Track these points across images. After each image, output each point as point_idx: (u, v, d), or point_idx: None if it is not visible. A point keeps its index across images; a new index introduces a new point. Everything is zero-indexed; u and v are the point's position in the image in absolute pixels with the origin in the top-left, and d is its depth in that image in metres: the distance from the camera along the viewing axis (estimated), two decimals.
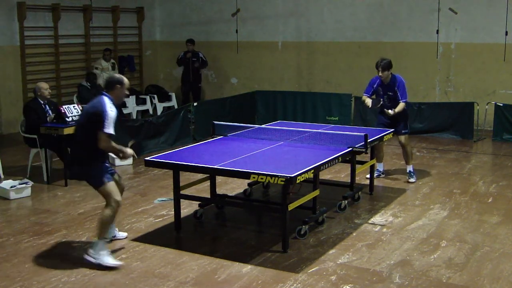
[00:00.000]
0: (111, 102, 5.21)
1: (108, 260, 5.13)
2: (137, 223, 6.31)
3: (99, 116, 5.11)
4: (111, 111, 5.14)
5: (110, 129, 5.12)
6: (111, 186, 5.26)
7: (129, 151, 5.46)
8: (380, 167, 8.19)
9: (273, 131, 7.02)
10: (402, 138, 7.94)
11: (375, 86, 7.89)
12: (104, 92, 5.31)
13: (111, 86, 5.33)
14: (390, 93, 7.81)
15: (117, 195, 5.25)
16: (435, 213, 6.63)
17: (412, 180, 7.90)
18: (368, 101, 7.86)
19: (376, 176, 8.00)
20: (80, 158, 5.32)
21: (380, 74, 7.70)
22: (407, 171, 7.99)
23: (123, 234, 5.85)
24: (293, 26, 13.53)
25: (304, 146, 6.48)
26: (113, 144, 5.25)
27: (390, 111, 7.81)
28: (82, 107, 8.35)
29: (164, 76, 15.20)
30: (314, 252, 5.46)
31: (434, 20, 11.89)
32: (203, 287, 4.78)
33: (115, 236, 5.78)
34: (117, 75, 5.49)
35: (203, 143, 6.88)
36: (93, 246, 5.17)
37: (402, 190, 7.55)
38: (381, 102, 7.82)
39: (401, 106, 7.76)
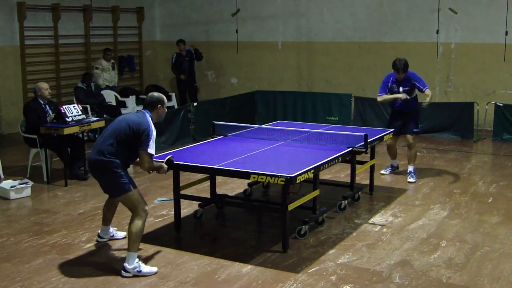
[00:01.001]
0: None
1: (146, 269, 4.97)
2: None
3: (144, 134, 4.97)
4: (154, 130, 5.05)
5: (153, 150, 5.00)
6: (137, 194, 5.12)
7: (165, 166, 5.36)
8: (394, 163, 8.43)
9: (273, 131, 7.02)
10: (411, 138, 7.97)
11: (389, 84, 7.93)
12: (146, 110, 5.19)
13: (153, 106, 5.20)
14: (406, 88, 7.85)
15: (145, 204, 5.13)
16: (435, 213, 6.63)
17: (411, 180, 7.91)
18: (400, 95, 7.80)
19: (391, 171, 8.34)
20: (104, 167, 5.04)
21: (401, 75, 7.77)
22: (408, 171, 8.00)
23: (121, 234, 5.82)
24: (293, 26, 13.53)
25: (304, 146, 6.48)
26: (154, 163, 5.18)
27: (402, 95, 7.78)
28: (82, 107, 8.40)
29: (164, 76, 15.20)
30: (314, 252, 5.46)
31: (434, 20, 11.89)
32: (203, 287, 4.78)
33: (113, 236, 5.78)
34: (157, 94, 5.30)
35: (203, 143, 6.88)
36: (128, 261, 4.95)
37: (402, 190, 7.55)
38: (406, 97, 7.83)
39: (429, 92, 7.83)
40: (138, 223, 5.01)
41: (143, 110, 5.22)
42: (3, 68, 11.53)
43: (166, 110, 5.38)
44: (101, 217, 5.79)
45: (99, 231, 5.78)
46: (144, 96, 13.27)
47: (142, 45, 14.75)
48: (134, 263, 4.94)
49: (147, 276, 4.92)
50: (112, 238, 5.76)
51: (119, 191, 5.07)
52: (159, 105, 5.23)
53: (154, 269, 5.02)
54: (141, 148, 4.98)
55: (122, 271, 4.94)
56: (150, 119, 5.10)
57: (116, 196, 5.21)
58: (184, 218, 6.25)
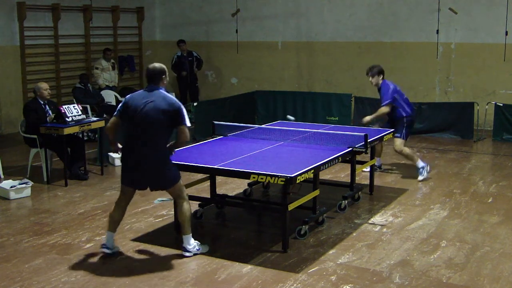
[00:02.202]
0: None
1: (202, 248, 5.36)
2: (137, 223, 6.30)
3: (179, 111, 5.02)
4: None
5: (189, 121, 5.10)
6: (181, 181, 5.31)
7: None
8: (377, 161, 8.32)
9: (273, 131, 7.02)
10: (394, 142, 8.01)
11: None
12: (155, 86, 5.14)
13: (159, 78, 5.17)
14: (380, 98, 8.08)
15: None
16: (435, 213, 6.63)
17: (420, 178, 7.90)
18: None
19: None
20: (156, 164, 5.07)
21: (370, 79, 8.05)
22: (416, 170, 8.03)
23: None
24: (293, 26, 13.53)
25: (304, 146, 6.48)
26: None
27: (366, 117, 8.05)
28: (82, 107, 8.40)
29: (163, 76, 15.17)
30: (314, 252, 5.46)
31: (434, 20, 11.89)
32: (203, 287, 4.78)
33: (119, 249, 5.49)
34: (158, 65, 5.24)
35: (203, 143, 6.88)
36: (187, 243, 5.29)
37: (402, 190, 7.55)
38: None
39: (379, 110, 7.95)
40: (187, 206, 5.26)
41: (153, 87, 5.14)
42: (3, 68, 11.53)
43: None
44: (101, 217, 5.78)
45: (105, 241, 5.38)
46: None
47: (142, 45, 14.75)
48: (193, 243, 5.30)
49: (204, 253, 5.34)
50: (120, 251, 5.47)
51: (173, 180, 5.19)
52: (164, 76, 5.20)
53: (207, 247, 5.41)
54: (181, 124, 5.03)
55: (184, 252, 5.29)
56: (170, 94, 5.15)
57: (170, 187, 5.22)
58: None
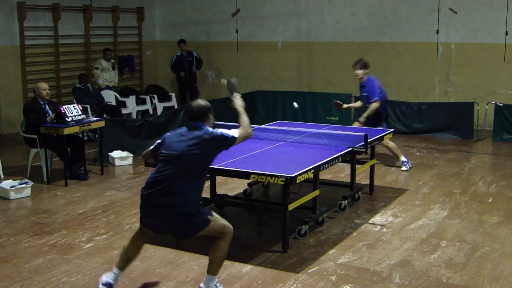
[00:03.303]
0: None
1: None
2: (137, 223, 6.28)
3: (217, 138, 4.43)
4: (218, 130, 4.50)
5: (232, 133, 4.54)
6: (217, 216, 4.51)
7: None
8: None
9: (273, 131, 7.02)
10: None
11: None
12: (197, 124, 4.45)
13: (206, 115, 4.52)
14: (364, 94, 8.29)
15: (226, 222, 4.53)
16: (435, 213, 6.63)
17: (404, 168, 8.36)
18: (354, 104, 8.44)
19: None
20: (185, 211, 4.33)
21: (355, 71, 8.29)
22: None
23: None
24: (293, 26, 13.52)
25: (304, 146, 6.48)
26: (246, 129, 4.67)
27: (361, 118, 8.25)
28: (83, 107, 8.40)
29: (164, 76, 15.20)
30: (314, 252, 5.46)
31: (434, 20, 11.88)
32: None
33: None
34: (203, 102, 4.59)
35: None
36: (206, 283, 4.54)
37: (402, 190, 7.55)
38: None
39: (371, 107, 8.13)
40: (225, 246, 4.48)
41: (193, 124, 4.46)
42: (3, 68, 11.53)
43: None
44: (101, 217, 5.76)
45: (109, 279, 4.52)
46: (144, 96, 13.45)
47: (142, 45, 14.75)
48: (213, 286, 4.55)
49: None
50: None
51: (202, 224, 4.40)
52: (209, 113, 4.55)
53: None
54: (230, 142, 4.50)
55: None
56: (206, 128, 4.46)
57: (198, 232, 4.44)
58: None
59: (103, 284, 4.50)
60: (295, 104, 8.09)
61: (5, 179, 7.80)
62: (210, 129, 4.45)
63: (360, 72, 8.28)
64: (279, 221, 5.65)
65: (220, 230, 4.45)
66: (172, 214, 4.32)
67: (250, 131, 4.68)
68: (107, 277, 4.52)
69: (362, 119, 8.20)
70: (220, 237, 4.45)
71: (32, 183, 7.51)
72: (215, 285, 4.55)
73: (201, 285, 4.56)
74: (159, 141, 4.56)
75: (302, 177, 5.21)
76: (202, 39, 14.52)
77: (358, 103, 8.75)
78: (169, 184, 4.29)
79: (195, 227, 4.39)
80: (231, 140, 4.50)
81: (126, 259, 4.56)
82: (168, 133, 4.59)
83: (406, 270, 5.08)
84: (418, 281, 4.85)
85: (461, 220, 6.38)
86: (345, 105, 8.81)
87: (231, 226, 4.52)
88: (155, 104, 13.50)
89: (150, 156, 4.66)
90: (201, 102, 4.57)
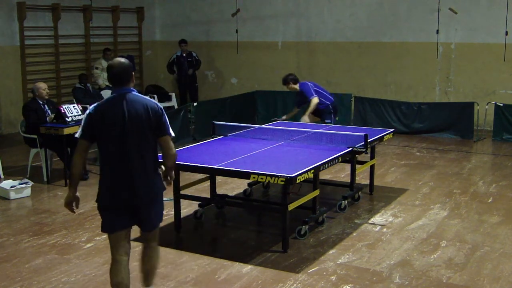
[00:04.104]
0: None
1: None
2: None
3: (160, 116, 3.96)
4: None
5: (171, 130, 4.07)
6: None
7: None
8: None
9: (273, 131, 7.02)
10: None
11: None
12: (128, 89, 3.98)
13: (130, 75, 4.01)
14: (303, 98, 8.88)
15: None
16: (435, 213, 6.63)
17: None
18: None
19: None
20: (155, 187, 4.03)
21: (290, 88, 8.93)
22: None
23: None
24: (293, 26, 13.52)
25: (304, 146, 6.48)
26: None
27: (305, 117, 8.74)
28: (83, 107, 8.39)
29: (164, 76, 15.19)
30: (314, 252, 5.46)
31: (434, 20, 11.88)
32: (203, 287, 4.78)
33: None
34: (124, 60, 4.05)
35: (203, 143, 6.88)
36: None
37: (402, 190, 7.55)
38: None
39: (311, 102, 8.64)
40: (159, 253, 4.30)
41: (125, 89, 3.97)
42: (3, 68, 11.53)
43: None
44: (100, 219, 5.71)
45: None
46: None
47: (142, 45, 14.75)
48: None
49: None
50: None
51: (161, 217, 4.19)
52: (133, 72, 4.06)
53: None
54: (165, 134, 4.00)
55: None
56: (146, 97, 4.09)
57: (157, 227, 4.17)
58: (184, 218, 6.25)
59: None
60: (280, 118, 8.80)
61: (5, 179, 7.80)
62: (150, 100, 4.06)
63: (295, 86, 8.90)
64: (279, 221, 5.65)
65: (157, 233, 4.24)
66: (152, 201, 4.12)
67: None
68: None
69: (305, 116, 8.74)
70: (156, 242, 4.26)
71: (32, 183, 7.51)
72: None
73: None
74: (84, 123, 4.04)
75: (302, 177, 5.21)
76: (202, 39, 14.52)
77: (295, 110, 9.24)
78: (131, 163, 3.99)
79: (160, 217, 4.22)
80: (170, 135, 4.08)
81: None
82: (91, 108, 4.04)
83: (406, 270, 5.08)
84: (418, 281, 4.85)
85: (461, 220, 6.38)
86: (283, 117, 9.12)
87: None
88: None
89: (85, 147, 4.06)
90: (121, 59, 4.05)
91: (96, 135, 3.95)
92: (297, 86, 8.94)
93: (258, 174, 5.21)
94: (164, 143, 4.02)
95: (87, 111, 4.01)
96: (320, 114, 8.92)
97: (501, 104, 10.71)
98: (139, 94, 4.08)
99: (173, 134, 4.08)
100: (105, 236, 5.81)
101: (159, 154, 4.15)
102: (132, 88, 4.04)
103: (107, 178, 3.99)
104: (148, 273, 4.28)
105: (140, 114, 3.92)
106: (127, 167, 3.92)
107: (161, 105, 4.08)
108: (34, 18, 11.94)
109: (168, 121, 4.06)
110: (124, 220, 4.02)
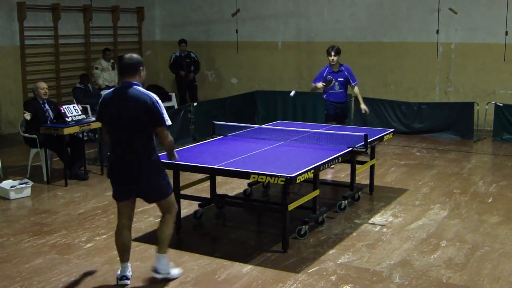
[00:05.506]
0: None
1: (175, 272, 4.86)
2: (137, 223, 6.29)
3: (155, 108, 4.40)
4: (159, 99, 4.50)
5: (169, 120, 4.50)
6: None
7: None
8: None
9: (273, 131, 7.02)
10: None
11: (325, 74, 8.46)
12: (130, 82, 4.46)
13: (136, 69, 4.48)
14: (340, 79, 8.49)
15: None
16: (435, 213, 6.63)
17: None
18: (319, 84, 8.40)
19: None
20: (146, 170, 4.52)
21: (332, 57, 8.44)
22: None
23: (175, 272, 4.91)
24: (293, 26, 13.53)
25: (304, 146, 6.48)
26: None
27: (364, 107, 8.67)
28: (82, 107, 8.40)
29: (164, 76, 15.20)
30: (314, 252, 5.46)
31: (434, 20, 11.89)
32: (203, 287, 4.78)
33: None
34: (135, 55, 4.58)
35: (203, 143, 6.88)
36: (161, 263, 4.75)
37: (402, 190, 7.55)
38: (334, 82, 8.41)
39: (358, 90, 8.69)
40: (172, 224, 4.76)
41: (129, 82, 4.47)
42: (3, 68, 11.53)
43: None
44: (101, 217, 5.75)
45: (123, 272, 4.76)
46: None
47: (142, 45, 14.75)
48: (166, 265, 4.78)
49: (175, 278, 4.84)
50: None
51: (166, 191, 4.67)
52: (142, 67, 4.54)
53: (180, 271, 4.92)
54: (160, 124, 4.46)
55: (154, 273, 4.77)
56: (145, 90, 4.53)
57: (162, 199, 4.66)
58: (184, 218, 6.25)
59: (122, 277, 4.75)
60: (292, 93, 8.65)
61: (5, 179, 7.80)
62: (145, 92, 4.52)
63: (335, 58, 8.53)
64: (279, 221, 5.65)
65: (172, 205, 4.76)
66: (147, 177, 4.62)
67: None
68: (120, 272, 4.78)
69: (363, 104, 8.70)
70: (170, 214, 4.76)
71: (32, 183, 7.51)
72: (168, 263, 4.81)
73: (156, 265, 4.77)
74: (98, 108, 4.78)
75: (302, 177, 5.20)
76: (202, 39, 14.52)
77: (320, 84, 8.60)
78: (128, 146, 4.59)
79: (164, 191, 4.68)
80: (166, 126, 4.60)
81: (124, 251, 4.77)
82: (105, 95, 4.73)
83: (406, 270, 5.08)
84: (418, 281, 4.85)
85: (461, 220, 6.38)
86: (319, 84, 8.44)
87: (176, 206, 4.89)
88: None
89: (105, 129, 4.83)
90: (133, 55, 4.61)
91: (103, 119, 4.64)
92: (338, 59, 8.59)
93: (258, 174, 5.21)
94: (160, 133, 4.56)
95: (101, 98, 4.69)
96: (346, 110, 9.02)
97: (501, 104, 10.71)
98: (139, 88, 4.52)
99: (169, 123, 4.53)
100: (105, 236, 5.85)
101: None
102: (135, 82, 4.52)
103: (112, 157, 4.64)
104: (159, 240, 4.79)
105: (135, 106, 4.43)
106: (124, 150, 4.54)
107: (157, 97, 4.53)
108: (34, 18, 11.95)
109: (164, 112, 4.51)
110: (128, 191, 4.64)
